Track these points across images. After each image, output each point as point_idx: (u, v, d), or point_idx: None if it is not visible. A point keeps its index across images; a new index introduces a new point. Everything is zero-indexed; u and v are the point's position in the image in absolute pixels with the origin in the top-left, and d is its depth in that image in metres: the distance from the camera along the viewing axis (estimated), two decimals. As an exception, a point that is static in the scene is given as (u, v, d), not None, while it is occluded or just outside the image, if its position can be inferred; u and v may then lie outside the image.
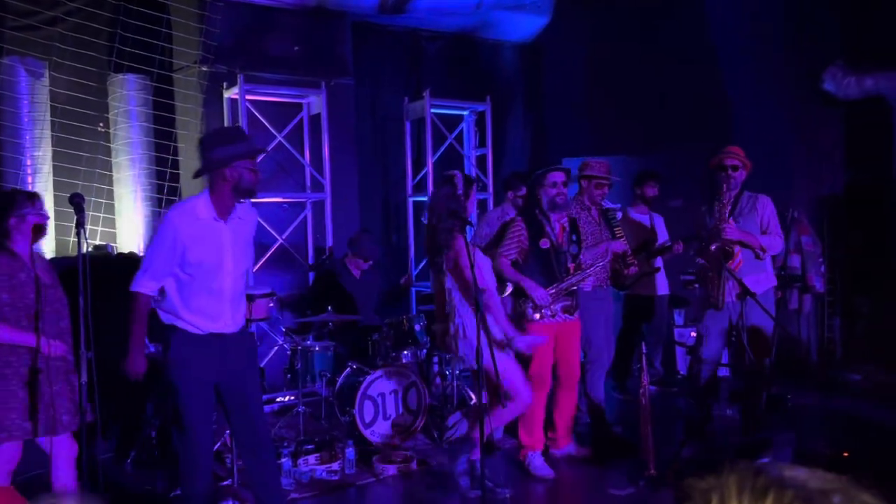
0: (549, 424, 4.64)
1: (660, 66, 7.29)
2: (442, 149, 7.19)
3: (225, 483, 4.16)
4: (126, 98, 6.02)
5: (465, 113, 7.54)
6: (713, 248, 4.51)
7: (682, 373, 6.58)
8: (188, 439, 3.28)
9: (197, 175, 3.32)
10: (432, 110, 6.91)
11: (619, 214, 5.26)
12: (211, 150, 3.24)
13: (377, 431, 4.92)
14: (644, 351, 4.45)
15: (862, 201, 6.88)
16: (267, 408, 5.45)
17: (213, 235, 3.24)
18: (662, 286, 6.14)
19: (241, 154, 3.23)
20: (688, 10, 7.18)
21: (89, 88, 5.88)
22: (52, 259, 5.53)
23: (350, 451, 4.55)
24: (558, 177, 4.34)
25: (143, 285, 3.22)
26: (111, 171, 6.14)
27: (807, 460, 4.04)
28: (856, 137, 6.96)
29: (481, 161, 7.47)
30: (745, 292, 4.36)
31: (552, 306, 4.34)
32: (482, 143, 7.46)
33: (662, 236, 5.95)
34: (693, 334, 6.61)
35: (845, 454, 4.29)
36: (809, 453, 4.20)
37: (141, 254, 5.92)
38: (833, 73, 6.70)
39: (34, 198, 3.35)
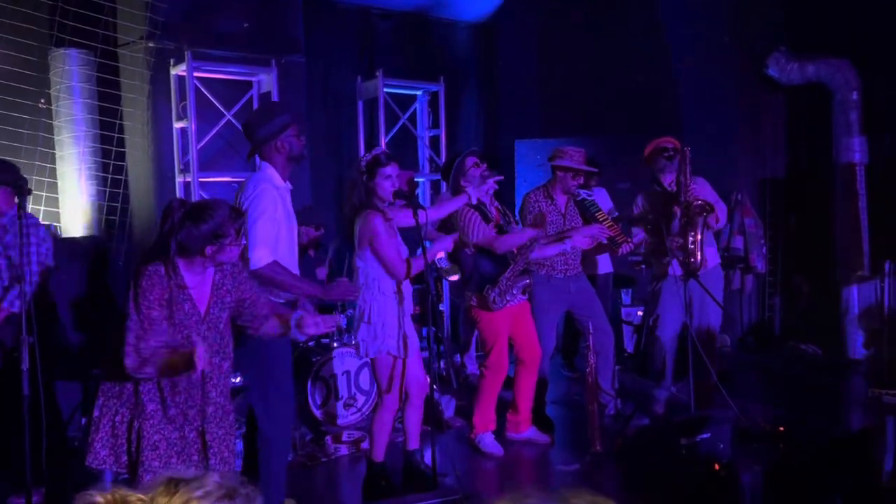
0: (507, 407, 4.65)
1: (609, 50, 7.38)
2: (395, 129, 7.16)
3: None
4: (69, 74, 5.83)
5: (419, 93, 7.49)
6: (695, 204, 4.51)
7: (629, 351, 6.74)
8: (285, 411, 3.61)
9: (252, 154, 3.59)
10: (385, 90, 6.86)
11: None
12: (258, 128, 3.46)
13: (329, 412, 4.94)
14: (591, 331, 4.55)
15: (802, 183, 7.12)
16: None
17: (287, 201, 3.50)
18: (605, 265, 6.20)
19: (287, 124, 3.46)
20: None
21: (29, 63, 5.68)
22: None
23: (302, 432, 4.57)
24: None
25: (268, 257, 3.28)
26: (54, 148, 5.96)
27: (746, 436, 4.22)
28: (797, 122, 7.18)
29: (435, 142, 7.46)
30: (688, 273, 4.50)
31: (511, 290, 4.32)
32: (435, 124, 7.44)
33: (607, 206, 5.90)
34: (640, 313, 6.77)
35: (781, 429, 4.48)
36: (748, 429, 4.38)
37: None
38: (777, 59, 6.87)
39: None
